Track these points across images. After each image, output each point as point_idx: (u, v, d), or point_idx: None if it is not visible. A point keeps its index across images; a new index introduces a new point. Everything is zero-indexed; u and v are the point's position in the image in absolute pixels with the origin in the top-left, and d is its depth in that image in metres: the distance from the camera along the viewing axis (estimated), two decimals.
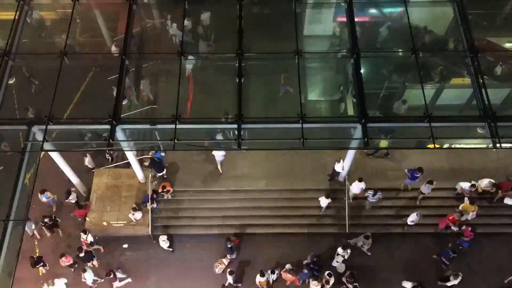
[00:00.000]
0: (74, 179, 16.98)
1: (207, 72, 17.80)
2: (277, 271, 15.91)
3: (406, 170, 16.60)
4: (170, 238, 16.92)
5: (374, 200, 16.50)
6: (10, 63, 14.32)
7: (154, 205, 17.03)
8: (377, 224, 17.62)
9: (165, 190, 16.90)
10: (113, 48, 16.97)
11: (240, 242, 17.15)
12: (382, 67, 17.13)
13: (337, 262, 16.35)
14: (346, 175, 17.11)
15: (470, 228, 16.18)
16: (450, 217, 16.29)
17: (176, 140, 12.79)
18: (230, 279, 15.64)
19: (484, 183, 16.80)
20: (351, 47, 14.45)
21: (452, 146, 16.74)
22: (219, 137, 15.40)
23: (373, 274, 16.74)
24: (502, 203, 17.16)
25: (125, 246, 17.31)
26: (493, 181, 16.70)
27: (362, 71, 14.07)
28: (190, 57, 15.84)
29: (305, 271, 15.56)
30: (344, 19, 15.56)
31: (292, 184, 17.55)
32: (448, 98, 16.28)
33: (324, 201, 16.44)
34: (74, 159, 17.38)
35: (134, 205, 16.68)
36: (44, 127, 12.97)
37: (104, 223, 16.95)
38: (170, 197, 17.31)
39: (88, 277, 15.64)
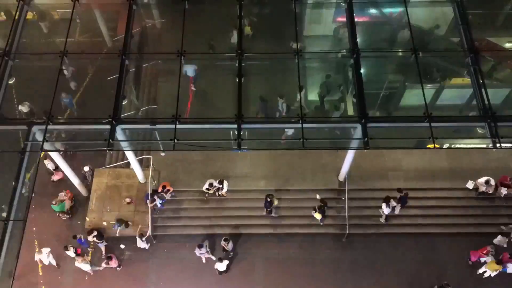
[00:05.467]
0: (74, 179, 16.99)
1: (207, 72, 17.80)
2: None
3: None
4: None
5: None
6: (10, 63, 14.31)
7: (159, 205, 17.01)
8: (377, 224, 17.62)
9: (165, 189, 16.89)
10: None
11: (239, 242, 17.20)
12: (382, 67, 17.11)
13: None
14: (346, 175, 17.12)
15: (508, 255, 15.93)
16: (485, 251, 16.11)
17: (176, 140, 12.80)
18: None
19: (481, 181, 16.81)
20: (351, 47, 14.46)
21: (452, 146, 16.74)
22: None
23: (372, 274, 16.75)
24: (504, 201, 17.22)
25: (122, 246, 17.31)
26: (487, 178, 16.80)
27: (362, 71, 14.06)
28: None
29: None
30: (344, 19, 15.55)
31: (292, 184, 17.56)
32: (448, 98, 16.26)
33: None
34: (75, 159, 17.43)
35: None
36: (44, 127, 12.98)
37: (104, 223, 16.95)
38: (170, 197, 17.30)
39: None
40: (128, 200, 17.15)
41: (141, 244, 16.67)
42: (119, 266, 16.74)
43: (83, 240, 16.46)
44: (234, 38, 16.49)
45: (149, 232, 16.91)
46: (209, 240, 17.12)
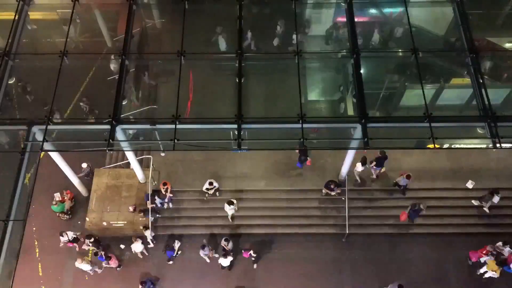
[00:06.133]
0: (74, 179, 16.99)
1: (207, 72, 17.80)
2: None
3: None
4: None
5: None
6: (10, 63, 14.31)
7: (159, 205, 16.99)
8: (377, 224, 17.62)
9: (165, 187, 16.84)
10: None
11: (239, 242, 17.22)
12: (382, 67, 17.12)
13: None
14: (346, 175, 17.11)
15: None
16: (484, 251, 16.04)
17: (176, 140, 12.80)
18: None
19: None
20: (351, 47, 14.46)
21: (452, 146, 16.74)
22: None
23: (371, 274, 16.75)
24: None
25: (122, 246, 17.31)
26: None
27: (362, 71, 14.06)
28: None
29: None
30: (344, 19, 15.55)
31: (292, 184, 17.56)
32: (448, 98, 16.28)
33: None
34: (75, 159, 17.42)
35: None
36: (44, 127, 12.98)
37: (104, 223, 16.95)
38: (171, 206, 17.37)
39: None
40: (131, 208, 17.10)
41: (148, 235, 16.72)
42: (119, 266, 16.74)
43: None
44: (222, 45, 16.79)
45: (150, 235, 16.92)
46: (210, 240, 17.15)
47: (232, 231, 17.49)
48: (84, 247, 16.58)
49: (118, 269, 16.76)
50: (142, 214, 16.71)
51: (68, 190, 17.64)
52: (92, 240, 16.26)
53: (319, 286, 16.62)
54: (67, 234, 16.25)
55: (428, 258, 17.09)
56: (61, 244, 16.53)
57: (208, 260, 16.81)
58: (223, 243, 16.21)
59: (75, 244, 16.71)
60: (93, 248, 16.54)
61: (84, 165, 17.67)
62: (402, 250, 17.28)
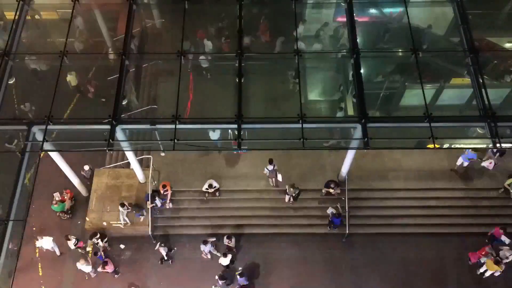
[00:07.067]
0: (74, 179, 16.99)
1: (207, 72, 17.83)
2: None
3: None
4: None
5: None
6: (10, 63, 14.31)
7: (159, 205, 16.99)
8: (377, 224, 17.63)
9: (165, 189, 16.85)
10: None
11: (239, 241, 17.23)
12: (382, 67, 17.13)
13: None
14: (346, 175, 17.11)
15: None
16: (483, 252, 16.03)
17: (176, 140, 12.81)
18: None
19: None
20: (351, 47, 14.47)
21: (452, 146, 16.75)
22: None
23: (372, 274, 16.76)
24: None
25: (122, 246, 17.30)
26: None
27: (362, 71, 14.06)
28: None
29: None
30: (344, 19, 15.56)
31: (292, 184, 17.53)
32: (448, 98, 16.29)
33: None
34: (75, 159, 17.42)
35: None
36: (44, 127, 12.98)
37: (104, 223, 16.95)
38: (171, 206, 17.37)
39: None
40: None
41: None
42: (116, 273, 16.49)
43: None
44: (208, 46, 16.93)
45: (149, 231, 16.92)
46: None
47: (232, 231, 17.48)
48: (96, 245, 16.50)
49: (116, 276, 16.59)
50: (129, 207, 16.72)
51: (68, 189, 17.64)
52: (97, 236, 16.21)
53: (319, 286, 16.61)
54: (72, 239, 16.23)
55: (428, 258, 17.09)
56: (72, 248, 16.44)
57: (209, 256, 16.79)
58: (225, 240, 16.19)
59: (83, 243, 16.67)
60: (98, 243, 16.43)
61: (86, 167, 17.69)
62: (402, 250, 17.27)
